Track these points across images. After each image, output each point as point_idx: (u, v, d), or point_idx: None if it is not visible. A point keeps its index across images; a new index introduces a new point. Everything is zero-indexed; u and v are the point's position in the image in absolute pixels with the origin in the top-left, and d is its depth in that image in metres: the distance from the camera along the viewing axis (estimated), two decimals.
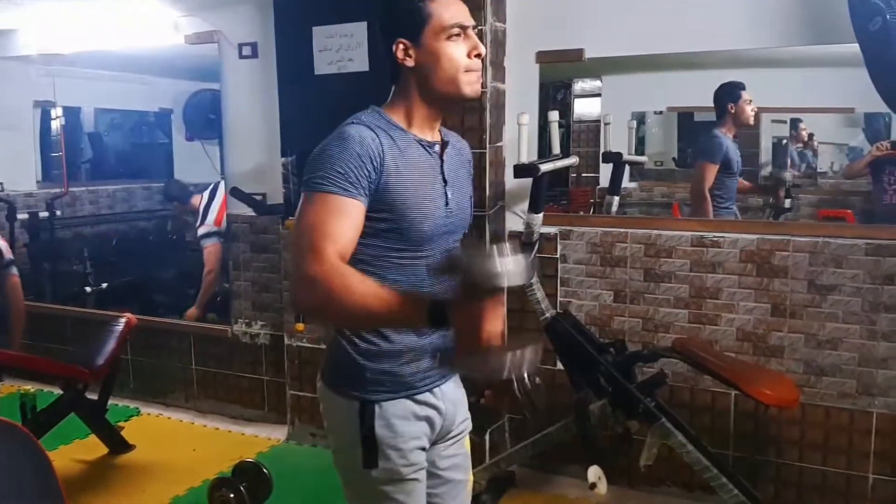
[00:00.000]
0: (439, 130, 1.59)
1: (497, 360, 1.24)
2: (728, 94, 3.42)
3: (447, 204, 1.54)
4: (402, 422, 1.53)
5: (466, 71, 1.48)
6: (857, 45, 2.49)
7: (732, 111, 3.44)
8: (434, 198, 1.51)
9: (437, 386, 1.60)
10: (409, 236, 1.48)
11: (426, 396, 1.57)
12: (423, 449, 1.58)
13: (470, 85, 1.50)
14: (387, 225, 1.46)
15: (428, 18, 1.46)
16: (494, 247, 1.22)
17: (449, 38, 1.47)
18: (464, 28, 1.48)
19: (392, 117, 1.51)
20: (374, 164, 1.42)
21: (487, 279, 1.20)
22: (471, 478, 1.77)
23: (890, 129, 3.49)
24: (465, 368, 1.36)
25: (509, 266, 1.20)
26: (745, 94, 3.41)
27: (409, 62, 1.48)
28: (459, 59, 1.47)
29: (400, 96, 1.53)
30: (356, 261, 1.44)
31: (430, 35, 1.46)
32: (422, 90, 1.50)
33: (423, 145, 1.52)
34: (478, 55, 1.49)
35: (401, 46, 1.48)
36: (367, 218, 1.44)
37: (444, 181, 1.55)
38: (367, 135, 1.43)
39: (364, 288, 1.32)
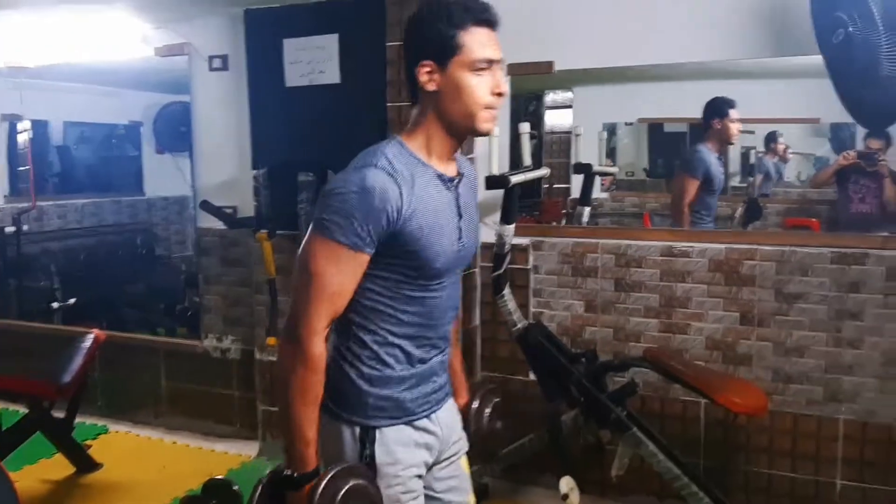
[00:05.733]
0: (454, 158, 1.56)
1: None
2: (715, 110, 3.40)
3: (460, 238, 1.53)
4: (402, 448, 1.52)
5: (486, 108, 1.46)
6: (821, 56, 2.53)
7: (718, 127, 3.44)
8: (448, 234, 1.50)
9: (434, 412, 1.59)
10: (421, 273, 1.47)
11: (424, 423, 1.56)
12: (420, 476, 1.57)
13: (486, 122, 1.48)
14: (400, 262, 1.45)
15: (459, 49, 1.43)
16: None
17: (475, 71, 1.44)
18: (491, 63, 1.46)
19: (412, 148, 1.48)
20: (392, 217, 1.39)
21: None
22: (472, 500, 1.73)
23: (855, 139, 3.55)
24: None
25: None
26: (733, 112, 3.39)
27: (431, 86, 1.45)
28: (482, 95, 1.45)
29: (419, 122, 1.50)
30: (368, 290, 1.46)
31: (457, 65, 1.43)
32: (440, 116, 1.47)
33: (442, 180, 1.50)
34: (499, 94, 1.47)
35: (425, 69, 1.44)
36: (381, 255, 1.43)
37: (459, 215, 1.53)
38: (389, 188, 1.39)
39: (307, 404, 1.43)
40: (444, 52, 1.43)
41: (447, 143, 1.50)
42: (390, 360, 1.51)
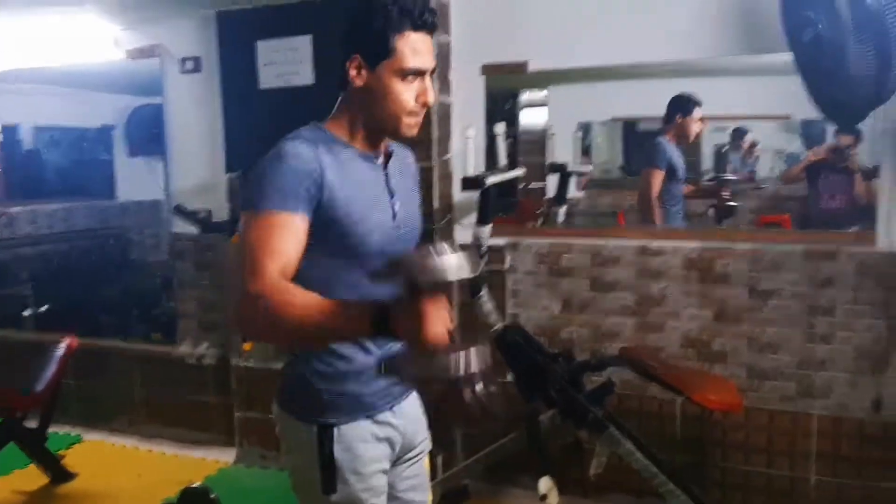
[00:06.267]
0: (384, 143, 1.56)
1: (443, 361, 1.17)
2: (681, 106, 3.46)
3: (394, 217, 1.52)
4: (362, 445, 1.51)
5: (409, 114, 1.46)
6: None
7: (679, 122, 3.49)
8: (380, 211, 1.49)
9: (397, 404, 1.58)
10: (357, 252, 1.44)
11: (385, 416, 1.55)
12: (385, 472, 1.56)
13: (410, 128, 1.48)
14: (333, 241, 1.42)
15: (391, 53, 1.42)
16: (433, 246, 1.17)
17: (404, 78, 1.43)
18: (421, 73, 1.46)
19: (334, 132, 1.48)
20: (314, 178, 1.38)
21: (430, 274, 1.14)
22: (430, 497, 1.75)
23: (825, 135, 3.59)
24: (414, 372, 1.26)
25: (451, 261, 1.15)
26: (697, 111, 3.44)
27: (359, 81, 1.45)
28: (406, 102, 1.45)
29: (344, 110, 1.50)
30: (304, 280, 1.38)
31: (387, 68, 1.43)
32: (363, 112, 1.48)
33: (365, 158, 1.50)
34: (424, 103, 1.47)
35: (355, 63, 1.44)
36: (313, 235, 1.39)
37: (391, 193, 1.52)
38: (303, 150, 1.40)
39: (306, 301, 1.25)
40: (376, 53, 1.43)
41: (370, 135, 1.50)
42: (345, 353, 1.48)
